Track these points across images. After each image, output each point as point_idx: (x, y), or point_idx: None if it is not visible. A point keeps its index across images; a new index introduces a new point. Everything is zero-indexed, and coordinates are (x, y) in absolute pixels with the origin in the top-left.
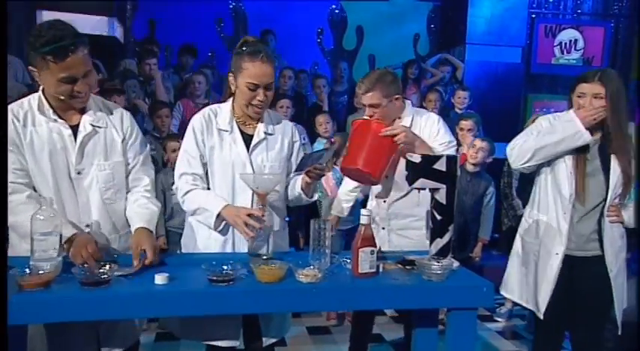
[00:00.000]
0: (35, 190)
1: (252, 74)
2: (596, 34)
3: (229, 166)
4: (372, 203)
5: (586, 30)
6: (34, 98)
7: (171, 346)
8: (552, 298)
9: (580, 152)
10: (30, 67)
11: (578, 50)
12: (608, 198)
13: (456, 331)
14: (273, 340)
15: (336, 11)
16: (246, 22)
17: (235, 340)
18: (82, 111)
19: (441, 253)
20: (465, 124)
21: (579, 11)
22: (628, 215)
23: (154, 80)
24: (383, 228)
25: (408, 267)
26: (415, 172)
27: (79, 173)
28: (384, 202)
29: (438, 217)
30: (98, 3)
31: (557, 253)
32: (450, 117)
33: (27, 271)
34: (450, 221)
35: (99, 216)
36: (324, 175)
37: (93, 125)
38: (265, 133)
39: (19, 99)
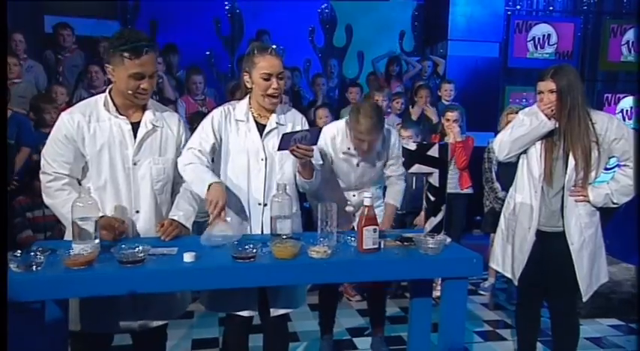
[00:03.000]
0: (80, 182)
1: (264, 66)
2: (567, 30)
3: (244, 151)
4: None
5: (558, 26)
6: (101, 97)
7: (185, 324)
8: (526, 268)
9: (548, 138)
10: (106, 65)
11: (551, 45)
12: (566, 180)
13: (449, 298)
14: (283, 311)
15: (327, 11)
16: (242, 22)
17: (253, 311)
18: (143, 110)
19: (435, 230)
20: (451, 115)
21: (551, 8)
22: (594, 195)
23: (160, 79)
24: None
25: (406, 243)
26: (411, 159)
27: (134, 164)
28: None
29: (432, 199)
30: (102, 7)
31: (529, 228)
32: (438, 109)
33: (71, 252)
34: (443, 202)
35: (148, 204)
36: (311, 156)
37: (153, 124)
38: (277, 122)
39: (32, 100)
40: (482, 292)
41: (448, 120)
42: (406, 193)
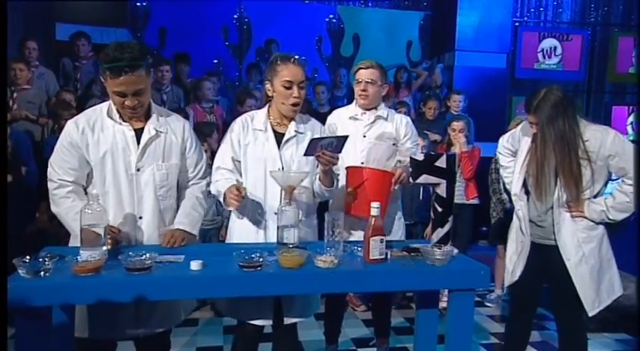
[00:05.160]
0: (85, 188)
1: (286, 74)
2: (575, 41)
3: (261, 161)
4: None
5: (565, 37)
6: (105, 105)
7: (189, 331)
8: (522, 278)
9: (537, 154)
10: (101, 76)
11: (557, 55)
12: (555, 198)
13: (456, 309)
14: (296, 320)
15: (334, 21)
16: (250, 31)
17: (268, 320)
18: (147, 117)
19: (442, 241)
20: (457, 125)
21: (558, 20)
22: (590, 211)
23: (168, 87)
24: None
25: (413, 254)
26: (418, 169)
27: (138, 170)
28: None
29: (439, 209)
30: (112, 14)
31: (521, 241)
32: (445, 119)
33: (79, 258)
34: (450, 213)
35: (151, 210)
36: (335, 163)
37: (156, 130)
38: (296, 131)
39: (51, 106)
40: (488, 304)
41: (454, 130)
42: (413, 204)
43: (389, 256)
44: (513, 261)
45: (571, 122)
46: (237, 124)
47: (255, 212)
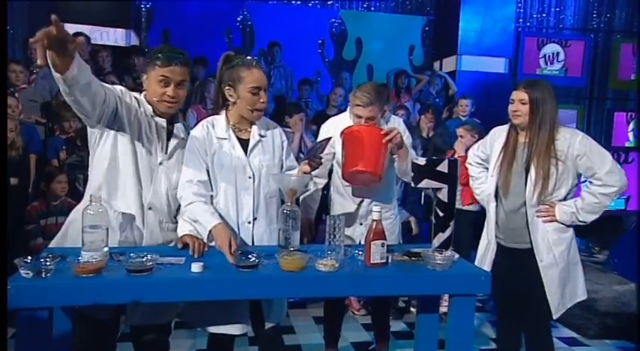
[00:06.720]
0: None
1: (252, 80)
2: (577, 47)
3: (231, 170)
4: (344, 203)
5: (567, 43)
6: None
7: (189, 333)
8: (496, 284)
9: (508, 151)
10: (142, 73)
11: (559, 61)
12: (527, 196)
13: (457, 315)
14: (273, 324)
15: (337, 24)
16: (253, 34)
17: (245, 325)
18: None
19: (443, 246)
20: (459, 130)
21: (561, 26)
22: (560, 213)
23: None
24: (361, 224)
25: (414, 258)
26: (420, 174)
27: (160, 164)
28: (363, 201)
29: (440, 214)
30: (115, 16)
31: (487, 243)
32: (447, 125)
33: (80, 259)
34: (451, 217)
35: (163, 201)
36: (321, 163)
37: (182, 134)
38: (260, 135)
39: (55, 107)
40: (489, 310)
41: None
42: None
43: (390, 261)
44: (479, 264)
45: (556, 114)
46: (197, 133)
47: (227, 223)
